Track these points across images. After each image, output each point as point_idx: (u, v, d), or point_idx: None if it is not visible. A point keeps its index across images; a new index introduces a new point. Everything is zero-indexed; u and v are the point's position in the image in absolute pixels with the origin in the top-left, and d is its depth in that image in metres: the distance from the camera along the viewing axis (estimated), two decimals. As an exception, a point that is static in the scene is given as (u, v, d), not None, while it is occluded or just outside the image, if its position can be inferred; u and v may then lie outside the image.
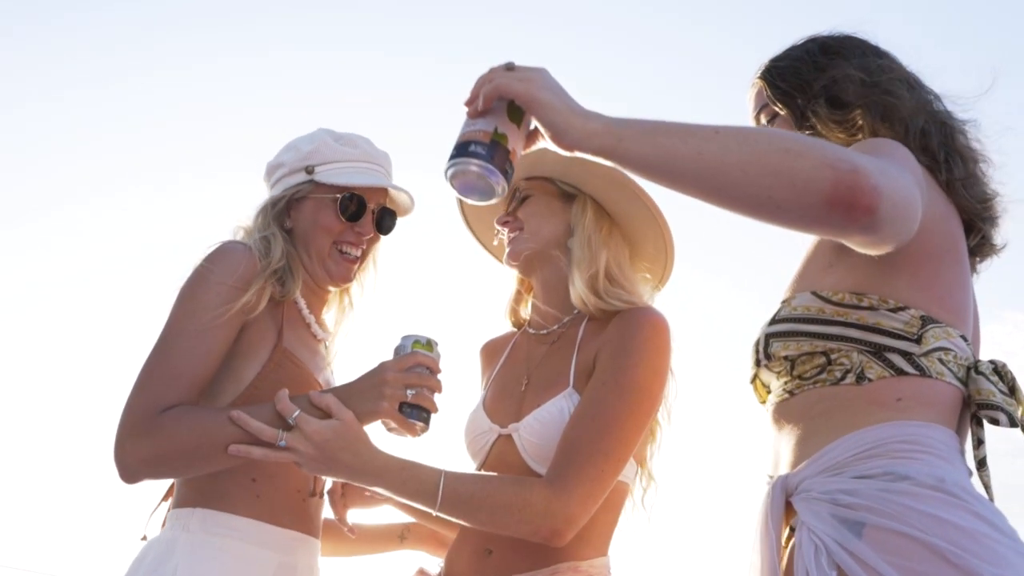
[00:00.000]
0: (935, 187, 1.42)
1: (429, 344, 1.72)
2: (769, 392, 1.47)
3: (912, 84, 1.51)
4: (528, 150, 1.32)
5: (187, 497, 1.72)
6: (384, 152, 1.99)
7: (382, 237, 1.98)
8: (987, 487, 1.33)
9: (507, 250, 1.89)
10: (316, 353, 1.91)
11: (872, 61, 1.49)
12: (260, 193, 1.99)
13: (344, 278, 1.91)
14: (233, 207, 1.98)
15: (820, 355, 1.35)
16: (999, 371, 1.36)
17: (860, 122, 1.46)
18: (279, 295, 1.79)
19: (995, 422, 1.33)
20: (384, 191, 1.95)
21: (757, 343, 1.46)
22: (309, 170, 1.87)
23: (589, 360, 1.72)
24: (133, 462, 1.59)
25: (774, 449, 1.44)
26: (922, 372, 1.31)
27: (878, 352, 1.32)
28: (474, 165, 1.24)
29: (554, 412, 1.69)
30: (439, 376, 1.70)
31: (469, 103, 1.28)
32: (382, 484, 1.59)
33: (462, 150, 1.25)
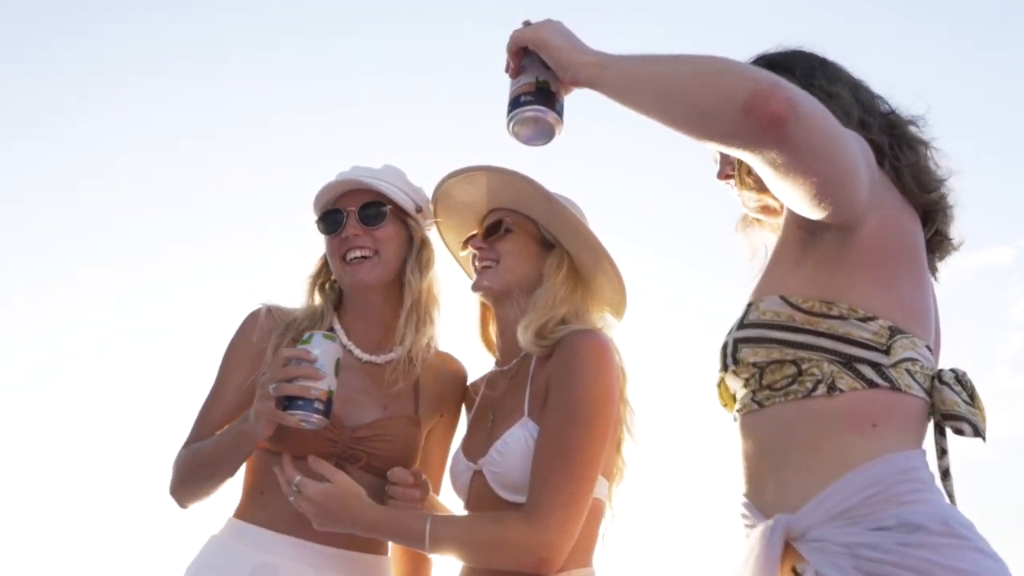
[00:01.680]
0: (890, 186, 1.43)
1: (309, 338, 1.77)
2: (735, 399, 1.46)
3: (854, 86, 1.52)
4: (568, 94, 1.42)
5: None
6: (367, 167, 2.06)
7: (378, 230, 1.98)
8: (951, 496, 1.34)
9: (476, 278, 1.95)
10: (355, 374, 1.98)
11: (816, 75, 1.49)
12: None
13: (359, 281, 1.98)
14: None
15: (790, 364, 1.35)
16: (960, 380, 1.37)
17: None
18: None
19: (960, 432, 1.34)
20: (362, 192, 1.99)
21: (724, 347, 1.46)
22: (315, 218, 2.06)
23: (541, 388, 1.78)
24: (170, 490, 1.94)
25: (750, 468, 1.42)
26: (891, 384, 1.32)
27: (848, 363, 1.32)
28: (529, 111, 1.38)
29: (511, 441, 1.75)
30: (315, 362, 1.72)
31: (507, 68, 1.42)
32: (376, 534, 1.76)
33: (515, 104, 1.39)
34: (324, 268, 2.09)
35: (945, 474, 1.35)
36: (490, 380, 1.99)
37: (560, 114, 1.39)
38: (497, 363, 1.99)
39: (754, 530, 1.34)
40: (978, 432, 1.34)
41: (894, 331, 1.33)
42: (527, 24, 1.40)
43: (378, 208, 1.99)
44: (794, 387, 1.34)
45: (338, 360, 1.77)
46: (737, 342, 1.41)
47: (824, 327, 1.33)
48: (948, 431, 1.38)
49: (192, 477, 1.90)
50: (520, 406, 1.80)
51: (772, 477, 1.37)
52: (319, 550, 1.86)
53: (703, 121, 1.23)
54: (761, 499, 1.38)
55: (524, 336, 1.81)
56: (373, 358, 2.01)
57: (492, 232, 1.95)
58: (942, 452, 1.36)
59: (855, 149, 1.31)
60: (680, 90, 1.24)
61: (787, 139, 1.19)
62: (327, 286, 2.09)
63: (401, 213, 2.03)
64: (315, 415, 1.71)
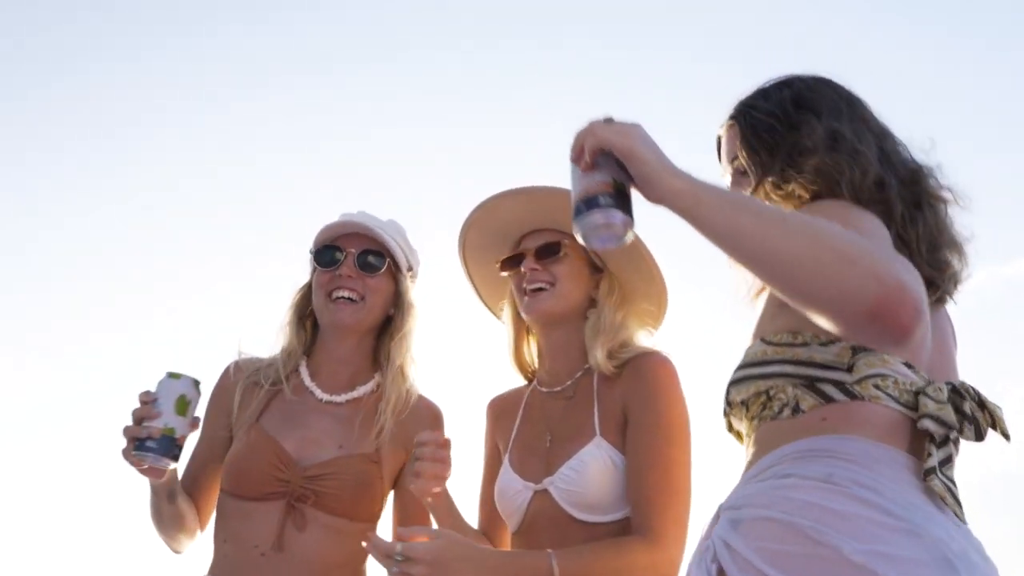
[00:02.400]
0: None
1: (160, 379, 1.80)
2: None
3: (877, 134, 1.52)
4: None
5: None
6: (374, 216, 2.15)
7: (372, 278, 2.07)
8: (943, 497, 1.27)
9: (528, 300, 1.94)
10: (314, 415, 2.04)
11: (842, 121, 1.50)
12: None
13: (340, 321, 2.05)
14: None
15: (763, 393, 1.40)
16: (957, 390, 1.35)
17: (800, 192, 1.48)
18: (274, 380, 2.07)
19: (928, 433, 1.30)
20: (365, 237, 2.08)
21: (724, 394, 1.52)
22: (313, 249, 2.13)
23: (613, 409, 1.83)
24: None
25: None
26: (853, 397, 1.33)
27: (811, 384, 1.35)
28: (603, 216, 1.28)
29: (586, 460, 1.78)
30: (154, 402, 1.76)
31: (576, 158, 1.33)
32: None
33: (591, 204, 1.28)
34: (304, 300, 2.15)
35: (927, 473, 1.29)
36: (530, 402, 2.02)
37: (632, 218, 1.30)
38: (541, 384, 2.01)
39: None
40: (944, 424, 1.30)
41: (857, 350, 1.34)
42: (609, 121, 1.33)
43: (377, 257, 2.08)
44: (765, 412, 1.39)
45: (181, 397, 1.78)
46: (728, 386, 1.48)
47: (789, 355, 1.38)
48: (959, 442, 1.35)
49: (154, 526, 2.01)
50: (588, 426, 1.83)
51: None
52: None
53: (823, 310, 1.20)
54: None
55: (599, 357, 1.85)
56: (333, 398, 2.07)
57: (547, 253, 1.95)
58: (928, 455, 1.32)
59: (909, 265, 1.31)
60: (795, 270, 1.18)
61: (908, 340, 1.18)
62: (307, 323, 2.15)
63: (395, 268, 2.11)
64: (157, 455, 1.74)
